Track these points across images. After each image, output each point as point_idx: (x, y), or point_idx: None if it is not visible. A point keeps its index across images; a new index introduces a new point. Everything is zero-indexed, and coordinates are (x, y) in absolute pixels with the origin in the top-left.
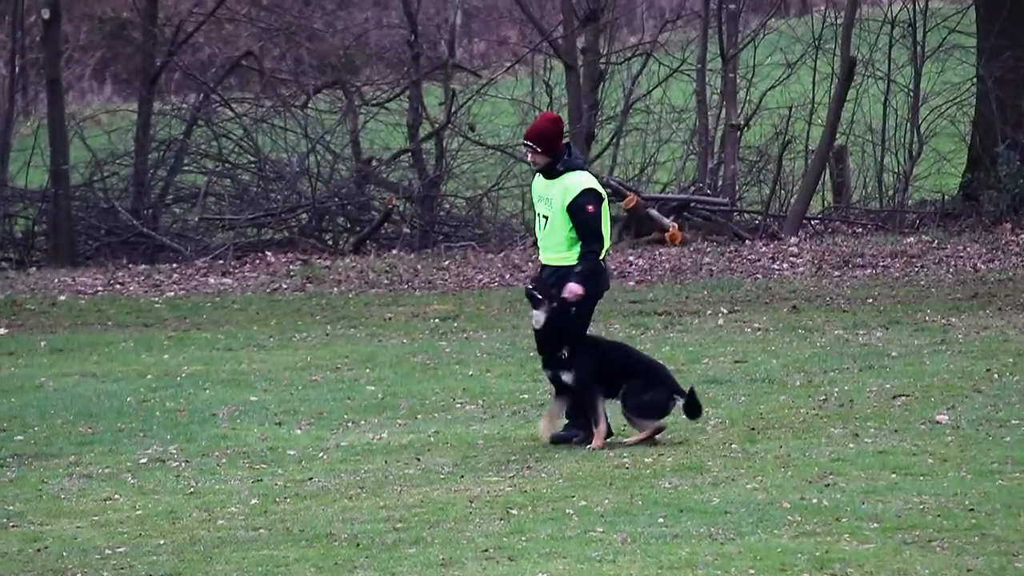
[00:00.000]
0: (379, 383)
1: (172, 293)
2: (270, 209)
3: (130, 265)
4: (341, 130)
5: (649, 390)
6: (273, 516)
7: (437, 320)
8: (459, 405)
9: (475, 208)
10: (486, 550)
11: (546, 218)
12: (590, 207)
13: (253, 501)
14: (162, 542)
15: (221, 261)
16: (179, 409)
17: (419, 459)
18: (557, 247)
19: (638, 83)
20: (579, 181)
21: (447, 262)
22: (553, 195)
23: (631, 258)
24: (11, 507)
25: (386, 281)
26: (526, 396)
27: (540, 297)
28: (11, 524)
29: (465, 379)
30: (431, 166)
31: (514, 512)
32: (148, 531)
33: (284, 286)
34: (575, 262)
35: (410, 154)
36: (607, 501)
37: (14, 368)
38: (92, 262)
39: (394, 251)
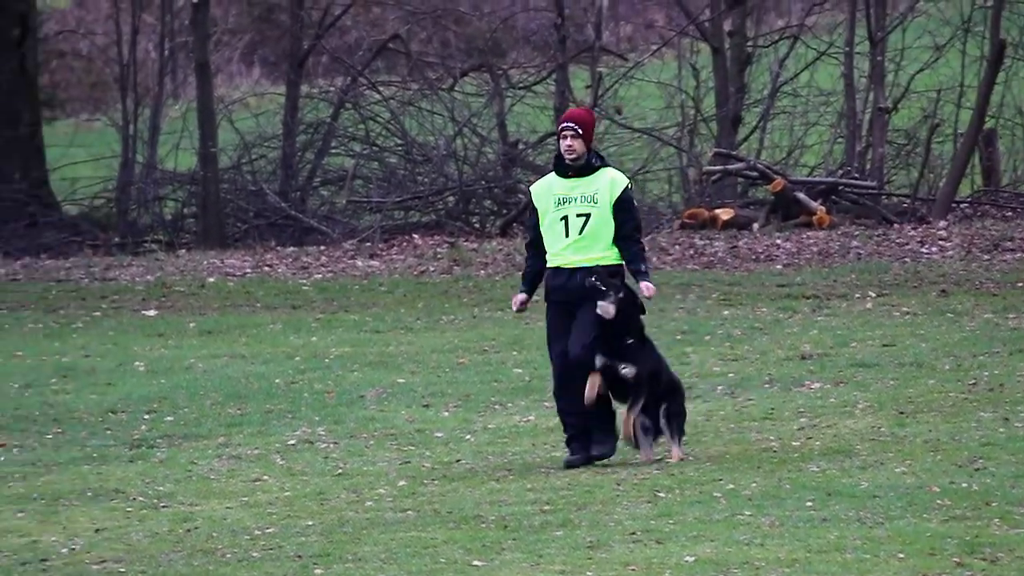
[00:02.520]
0: (526, 365)
1: (320, 275)
2: (417, 192)
3: (278, 247)
4: (488, 113)
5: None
6: (421, 498)
7: None
8: None
9: None
10: (633, 533)
11: (585, 216)
12: (635, 202)
13: (401, 483)
14: (311, 523)
15: (368, 243)
16: (327, 391)
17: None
18: (597, 247)
19: (785, 66)
20: (621, 175)
21: None
22: (597, 190)
23: (778, 241)
24: (161, 487)
25: None
26: None
27: (605, 288)
28: (161, 504)
29: None
30: None
31: (661, 495)
32: (297, 512)
33: (431, 268)
34: (616, 261)
35: (556, 137)
36: (755, 484)
37: (164, 349)
38: (240, 244)
39: None
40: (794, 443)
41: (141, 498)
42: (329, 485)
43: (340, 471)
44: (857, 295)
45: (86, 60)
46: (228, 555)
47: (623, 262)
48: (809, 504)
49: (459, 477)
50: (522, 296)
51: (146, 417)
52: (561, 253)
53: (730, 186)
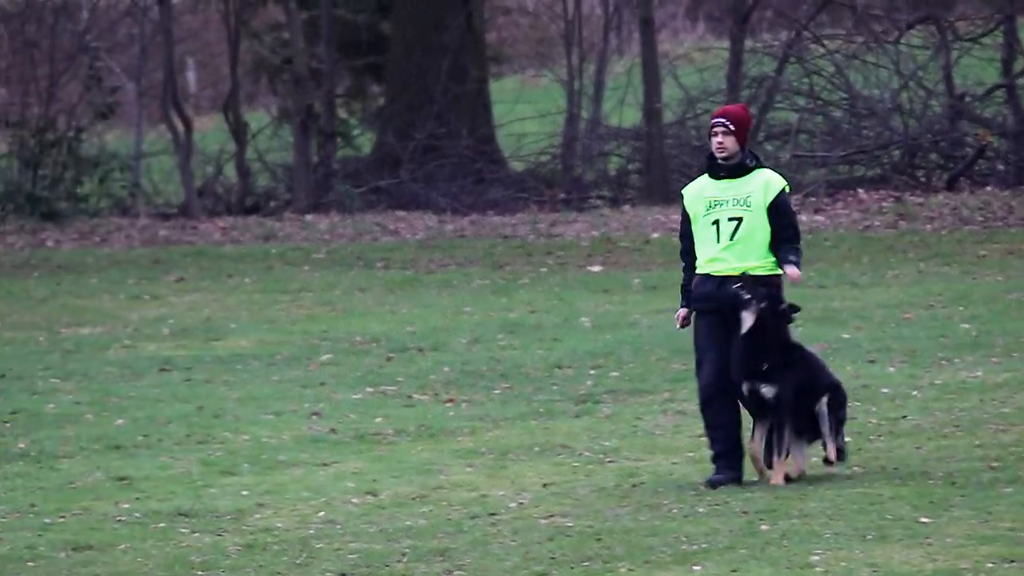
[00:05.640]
0: (973, 321)
1: None
2: (862, 146)
3: None
4: (934, 66)
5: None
6: (867, 454)
7: None
8: None
9: None
10: None
11: (737, 220)
12: (792, 207)
13: (846, 439)
14: (755, 479)
15: (813, 198)
16: None
17: (1014, 398)
18: (752, 253)
19: None
20: (778, 177)
21: None
22: (750, 192)
23: None
24: (607, 443)
25: (980, 218)
26: None
27: (748, 296)
28: (607, 459)
29: None
30: None
31: None
32: (744, 468)
33: (876, 223)
34: (772, 271)
35: (1004, 89)
36: None
37: (609, 305)
38: None
39: (988, 188)
40: None
41: (587, 453)
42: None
43: None
44: None
45: (532, 16)
46: (674, 510)
47: (779, 275)
48: None
49: (905, 433)
50: (683, 312)
51: (591, 372)
52: (712, 260)
53: None
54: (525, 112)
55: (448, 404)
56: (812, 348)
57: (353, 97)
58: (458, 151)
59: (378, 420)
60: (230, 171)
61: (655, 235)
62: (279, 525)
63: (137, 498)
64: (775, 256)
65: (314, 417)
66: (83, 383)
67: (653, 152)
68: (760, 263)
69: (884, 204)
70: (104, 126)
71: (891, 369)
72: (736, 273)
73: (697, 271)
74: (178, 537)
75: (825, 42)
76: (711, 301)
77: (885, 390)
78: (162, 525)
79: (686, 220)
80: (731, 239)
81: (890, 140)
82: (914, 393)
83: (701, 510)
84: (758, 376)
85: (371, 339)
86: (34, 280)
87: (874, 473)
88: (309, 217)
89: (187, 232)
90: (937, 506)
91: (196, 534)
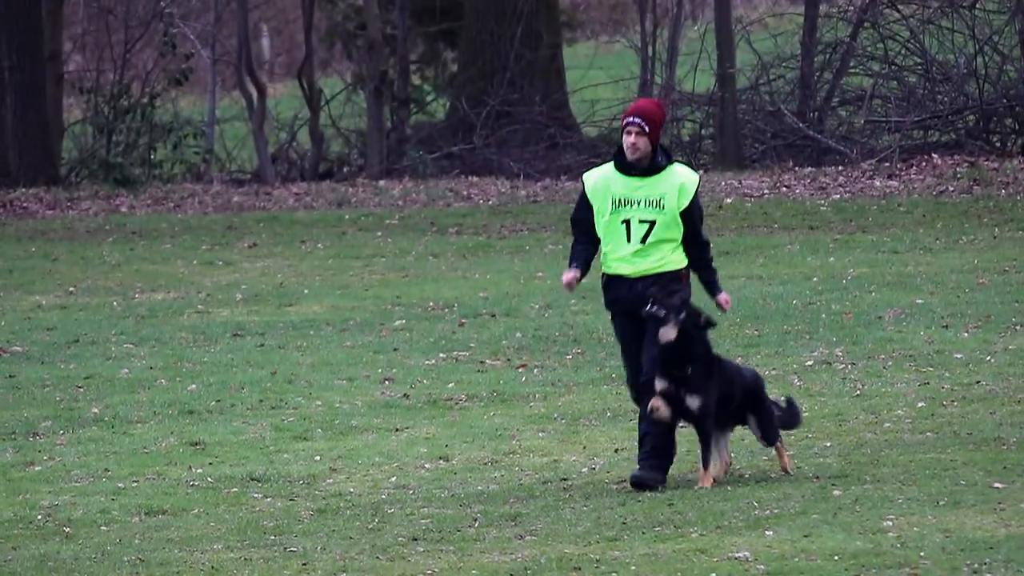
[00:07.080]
0: None
1: (837, 196)
2: (936, 111)
3: (795, 168)
4: (1009, 31)
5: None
6: (940, 419)
7: None
8: None
9: None
10: None
11: (649, 223)
12: (701, 208)
13: (920, 404)
14: (828, 444)
15: (887, 164)
16: (845, 312)
17: None
18: (660, 254)
19: None
20: (692, 176)
21: None
22: (663, 194)
23: None
24: None
25: None
26: None
27: (665, 312)
28: (680, 425)
29: None
30: None
31: None
32: (815, 433)
33: (950, 188)
34: (678, 267)
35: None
36: None
37: None
38: (758, 165)
39: None
40: None
41: None
42: (847, 406)
43: (858, 392)
44: None
45: None
46: (746, 475)
47: (687, 266)
48: None
49: (979, 399)
50: (574, 273)
51: None
52: (621, 260)
53: None
54: (598, 78)
55: (520, 369)
56: (887, 313)
57: (427, 63)
58: (531, 117)
59: (450, 386)
60: (304, 137)
61: (728, 200)
62: (351, 490)
63: (210, 463)
64: (687, 254)
65: (387, 383)
66: (156, 348)
67: (726, 118)
68: (663, 261)
69: (959, 169)
70: (178, 92)
71: (965, 334)
72: (648, 273)
73: (604, 270)
74: (251, 502)
75: (900, 7)
76: (621, 304)
77: (958, 355)
78: (235, 490)
79: (585, 207)
80: (642, 242)
81: (965, 105)
82: (988, 358)
83: (773, 475)
84: (680, 382)
85: (444, 305)
86: (108, 245)
87: (947, 438)
88: (382, 183)
89: (260, 198)
90: (1011, 472)
91: (268, 499)
